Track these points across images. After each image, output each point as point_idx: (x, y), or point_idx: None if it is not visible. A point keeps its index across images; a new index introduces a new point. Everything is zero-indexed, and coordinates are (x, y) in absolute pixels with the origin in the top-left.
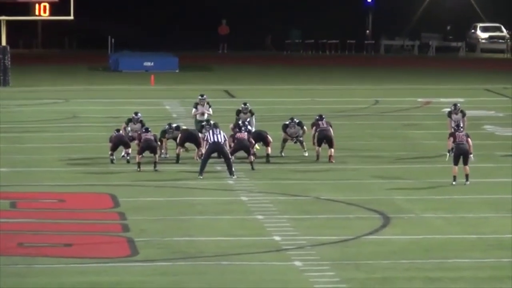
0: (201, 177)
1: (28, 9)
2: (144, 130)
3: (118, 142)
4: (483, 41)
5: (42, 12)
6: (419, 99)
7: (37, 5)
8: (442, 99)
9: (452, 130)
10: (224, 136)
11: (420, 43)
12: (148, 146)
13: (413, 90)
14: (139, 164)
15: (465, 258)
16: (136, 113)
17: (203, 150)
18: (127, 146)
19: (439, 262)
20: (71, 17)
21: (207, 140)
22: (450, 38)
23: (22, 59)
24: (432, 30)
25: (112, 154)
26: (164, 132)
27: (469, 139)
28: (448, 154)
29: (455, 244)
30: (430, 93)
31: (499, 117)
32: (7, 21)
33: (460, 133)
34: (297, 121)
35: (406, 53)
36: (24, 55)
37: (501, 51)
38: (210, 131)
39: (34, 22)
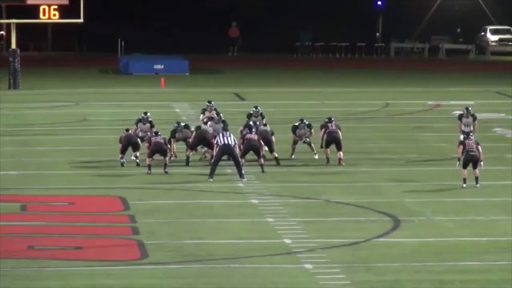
0: (211, 180)
1: (38, 12)
2: (154, 134)
3: (128, 142)
4: (493, 43)
5: (52, 15)
6: (429, 102)
7: (47, 8)
8: (452, 102)
9: (462, 136)
10: (234, 139)
11: (430, 46)
12: (158, 149)
13: (423, 92)
14: (149, 166)
15: (475, 260)
16: (145, 113)
17: (214, 153)
18: (136, 147)
19: (450, 265)
20: (81, 20)
21: (217, 143)
22: (460, 41)
23: (32, 62)
24: (442, 33)
25: (122, 157)
26: (174, 132)
27: (479, 147)
28: (458, 162)
29: (465, 247)
30: (440, 95)
31: (509, 120)
32: (17, 24)
33: (470, 141)
34: (306, 122)
35: (416, 56)
36: (34, 58)
37: (511, 53)
38: (220, 134)
39: (44, 25)
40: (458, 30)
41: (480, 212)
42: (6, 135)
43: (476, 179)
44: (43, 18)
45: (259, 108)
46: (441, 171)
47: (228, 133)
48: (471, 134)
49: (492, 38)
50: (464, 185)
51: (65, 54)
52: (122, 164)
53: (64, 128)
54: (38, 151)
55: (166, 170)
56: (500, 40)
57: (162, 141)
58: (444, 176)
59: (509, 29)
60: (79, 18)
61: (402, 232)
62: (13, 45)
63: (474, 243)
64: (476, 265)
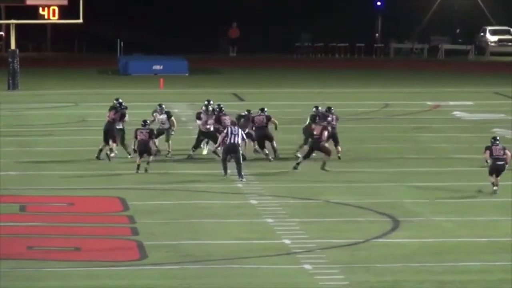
0: (226, 177)
1: (37, 12)
2: (142, 124)
3: (108, 131)
4: (493, 44)
5: (51, 16)
6: (429, 102)
7: (46, 9)
8: (451, 102)
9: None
10: (242, 135)
11: (429, 46)
12: (143, 149)
13: (423, 93)
14: (138, 166)
15: (475, 261)
16: (117, 99)
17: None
18: (113, 139)
19: (450, 266)
20: (80, 21)
21: (226, 136)
22: (459, 41)
23: (31, 63)
24: (442, 33)
25: (101, 151)
26: (154, 111)
27: (507, 151)
28: (486, 163)
29: (465, 247)
30: (440, 96)
31: (508, 120)
32: (17, 25)
33: (497, 147)
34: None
35: (415, 56)
36: (33, 58)
37: (511, 54)
38: (229, 130)
39: (43, 25)
40: (458, 30)
41: (479, 212)
42: (5, 135)
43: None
44: (42, 19)
45: (211, 101)
46: (441, 171)
47: (236, 128)
48: (497, 139)
49: (492, 38)
50: (495, 188)
51: (64, 54)
52: (98, 157)
53: (63, 129)
54: (37, 152)
55: (146, 168)
56: (500, 40)
57: (147, 137)
58: (444, 177)
59: (509, 30)
60: (78, 18)
61: (401, 233)
62: (12, 46)
63: (474, 244)
64: (475, 266)
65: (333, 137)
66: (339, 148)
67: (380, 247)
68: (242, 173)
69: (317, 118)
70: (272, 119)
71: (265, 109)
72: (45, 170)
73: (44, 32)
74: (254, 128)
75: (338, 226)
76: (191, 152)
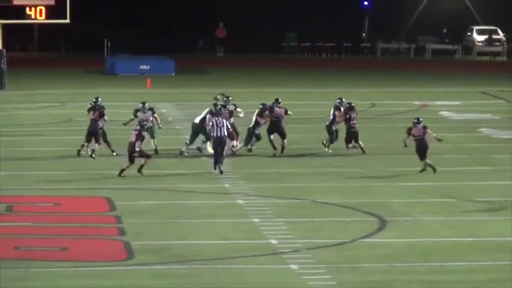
0: (216, 170)
1: (24, 12)
2: (138, 124)
3: (92, 132)
4: (479, 44)
5: (38, 16)
6: (416, 102)
7: (33, 9)
8: (438, 102)
9: None
10: (226, 127)
11: (416, 46)
12: (130, 151)
13: (410, 93)
14: (122, 170)
15: (462, 261)
16: (96, 99)
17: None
18: (97, 140)
19: (436, 265)
20: (67, 21)
21: (212, 127)
22: (446, 41)
23: (18, 63)
24: (429, 33)
25: (83, 146)
26: (136, 111)
27: None
28: None
29: (452, 247)
30: (427, 96)
31: (495, 120)
32: (3, 25)
33: None
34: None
35: (402, 56)
36: (20, 58)
37: (497, 54)
38: (215, 122)
39: (30, 25)
40: (445, 30)
41: (466, 212)
42: None
43: None
44: (29, 19)
45: (230, 98)
46: (427, 171)
47: (221, 120)
48: None
49: (478, 38)
50: None
51: (51, 54)
52: (78, 154)
53: (50, 129)
54: (24, 152)
55: (142, 172)
56: (486, 40)
57: (134, 139)
58: (430, 177)
59: (495, 29)
60: (65, 18)
61: (388, 233)
62: None
63: (461, 244)
64: (462, 265)
65: (353, 134)
66: (360, 142)
67: (367, 247)
68: (222, 166)
69: (341, 107)
70: (289, 112)
71: (279, 100)
72: (32, 170)
73: (31, 32)
74: (270, 120)
75: (325, 226)
76: (183, 149)
